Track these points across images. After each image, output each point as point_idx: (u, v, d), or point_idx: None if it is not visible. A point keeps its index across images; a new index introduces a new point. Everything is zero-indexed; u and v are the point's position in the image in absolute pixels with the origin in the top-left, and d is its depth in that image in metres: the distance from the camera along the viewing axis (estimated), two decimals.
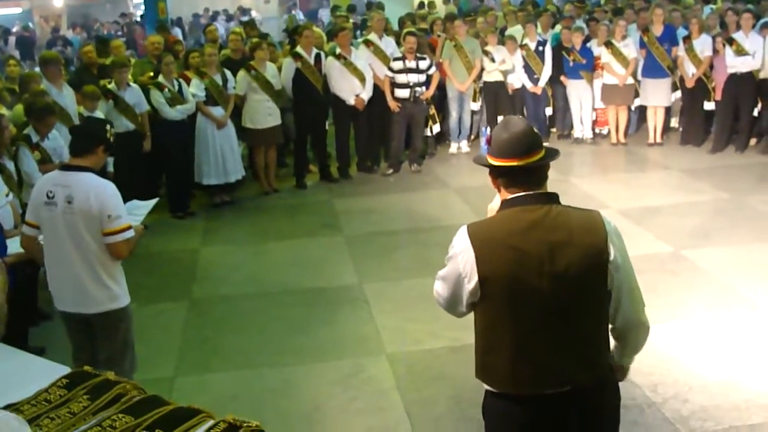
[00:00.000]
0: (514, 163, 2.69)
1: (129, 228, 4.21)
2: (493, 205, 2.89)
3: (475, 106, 10.92)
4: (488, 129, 2.85)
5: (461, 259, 2.68)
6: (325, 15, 22.68)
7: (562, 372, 2.66)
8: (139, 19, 26.85)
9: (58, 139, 6.71)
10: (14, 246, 4.97)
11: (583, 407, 2.71)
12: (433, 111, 10.47)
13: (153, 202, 4.93)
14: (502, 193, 2.78)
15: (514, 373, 2.68)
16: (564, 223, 2.66)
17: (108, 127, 4.38)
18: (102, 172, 4.62)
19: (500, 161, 2.72)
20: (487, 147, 2.78)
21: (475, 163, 2.91)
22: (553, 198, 2.73)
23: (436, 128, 10.65)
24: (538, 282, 2.61)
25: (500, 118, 10.53)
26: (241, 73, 9.14)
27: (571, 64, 10.68)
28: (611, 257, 2.66)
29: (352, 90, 9.63)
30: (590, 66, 10.64)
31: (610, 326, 2.79)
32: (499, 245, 2.64)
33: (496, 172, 2.77)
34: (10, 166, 6.04)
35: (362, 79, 9.63)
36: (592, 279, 2.66)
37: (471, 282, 2.67)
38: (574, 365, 2.67)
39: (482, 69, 10.66)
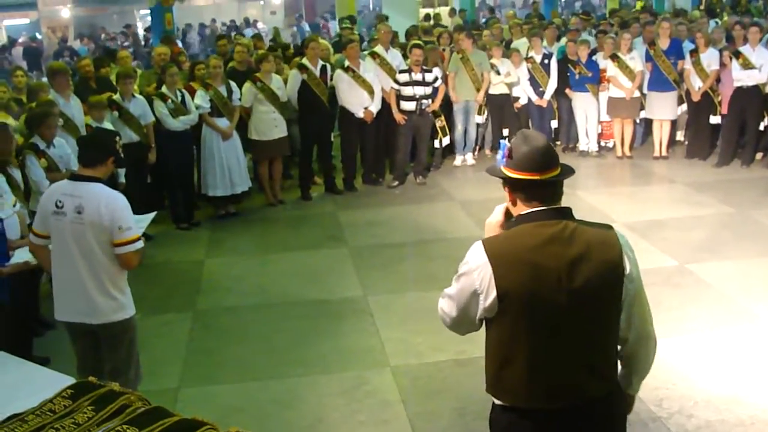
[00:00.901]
0: (536, 177, 2.68)
1: (139, 239, 4.24)
2: (492, 219, 2.86)
3: (480, 119, 10.92)
4: (507, 141, 2.82)
5: (477, 275, 2.65)
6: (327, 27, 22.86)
7: (576, 386, 2.67)
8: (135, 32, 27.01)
9: (65, 147, 6.75)
10: (19, 256, 4.98)
11: (593, 419, 2.71)
12: (442, 123, 10.46)
13: (151, 215, 4.97)
14: (518, 207, 2.75)
15: (528, 387, 2.67)
16: (580, 238, 2.65)
17: (117, 138, 4.43)
18: (113, 184, 4.65)
19: (520, 174, 2.70)
20: (506, 160, 2.75)
21: (489, 174, 2.88)
22: (568, 213, 2.72)
23: (446, 140, 10.62)
24: (555, 297, 2.61)
25: (505, 131, 10.62)
26: (247, 85, 9.16)
27: (577, 77, 10.69)
28: (627, 271, 2.68)
29: (360, 103, 9.65)
30: (596, 79, 10.66)
31: (620, 346, 2.79)
32: (517, 260, 2.63)
33: (514, 186, 2.74)
34: (17, 175, 6.06)
35: (371, 92, 9.64)
36: (608, 293, 2.67)
37: (488, 298, 2.65)
38: (587, 378, 2.68)
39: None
